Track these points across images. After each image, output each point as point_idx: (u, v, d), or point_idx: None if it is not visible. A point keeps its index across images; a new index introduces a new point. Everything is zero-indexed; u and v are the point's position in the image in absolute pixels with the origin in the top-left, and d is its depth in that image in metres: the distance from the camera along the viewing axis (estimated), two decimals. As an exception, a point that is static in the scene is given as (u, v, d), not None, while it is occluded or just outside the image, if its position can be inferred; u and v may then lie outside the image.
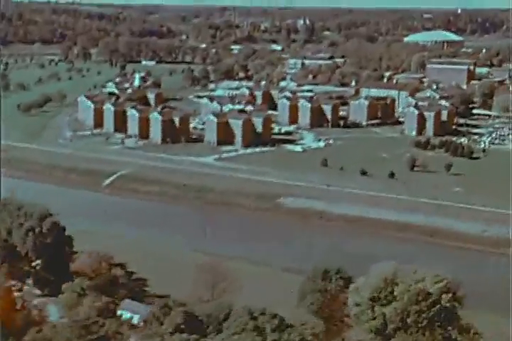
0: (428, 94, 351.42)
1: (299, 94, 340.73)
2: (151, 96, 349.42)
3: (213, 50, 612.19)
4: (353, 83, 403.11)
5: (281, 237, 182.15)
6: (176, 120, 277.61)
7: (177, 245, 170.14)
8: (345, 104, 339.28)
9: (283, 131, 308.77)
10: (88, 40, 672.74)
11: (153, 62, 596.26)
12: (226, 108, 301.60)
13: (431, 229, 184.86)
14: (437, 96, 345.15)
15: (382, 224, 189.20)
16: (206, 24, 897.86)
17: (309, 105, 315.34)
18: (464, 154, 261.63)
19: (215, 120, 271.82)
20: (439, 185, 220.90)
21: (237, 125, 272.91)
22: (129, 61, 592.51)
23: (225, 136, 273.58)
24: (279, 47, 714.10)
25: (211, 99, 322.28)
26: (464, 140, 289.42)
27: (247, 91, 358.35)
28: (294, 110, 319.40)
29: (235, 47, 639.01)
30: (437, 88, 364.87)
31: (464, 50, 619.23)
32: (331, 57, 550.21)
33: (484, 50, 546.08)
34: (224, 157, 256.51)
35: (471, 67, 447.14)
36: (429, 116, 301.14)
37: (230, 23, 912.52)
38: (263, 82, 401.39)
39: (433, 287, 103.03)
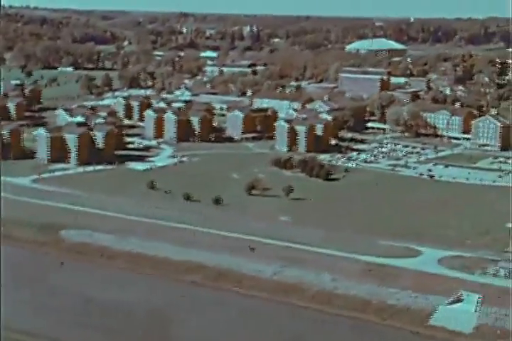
0: (317, 106, 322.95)
1: (174, 104, 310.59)
2: (11, 106, 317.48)
3: (134, 56, 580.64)
4: (249, 93, 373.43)
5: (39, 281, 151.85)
6: (6, 133, 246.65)
7: None
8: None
9: (143, 145, 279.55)
10: (2, 45, 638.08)
11: (70, 69, 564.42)
12: (63, 121, 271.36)
13: (220, 270, 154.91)
14: (327, 108, 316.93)
15: (169, 264, 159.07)
16: (147, 30, 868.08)
17: (175, 117, 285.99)
18: (319, 175, 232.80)
19: (46, 134, 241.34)
20: (267, 212, 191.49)
21: (72, 140, 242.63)
22: (46, 67, 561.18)
23: (60, 152, 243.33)
24: (214, 54, 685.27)
25: (67, 110, 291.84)
26: (332, 158, 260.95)
27: (122, 102, 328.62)
28: (160, 123, 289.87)
29: (158, 53, 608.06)
30: (329, 99, 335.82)
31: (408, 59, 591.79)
32: (251, 65, 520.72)
33: (409, 59, 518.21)
34: (45, 177, 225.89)
35: (385, 77, 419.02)
36: (301, 130, 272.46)
37: (172, 29, 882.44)
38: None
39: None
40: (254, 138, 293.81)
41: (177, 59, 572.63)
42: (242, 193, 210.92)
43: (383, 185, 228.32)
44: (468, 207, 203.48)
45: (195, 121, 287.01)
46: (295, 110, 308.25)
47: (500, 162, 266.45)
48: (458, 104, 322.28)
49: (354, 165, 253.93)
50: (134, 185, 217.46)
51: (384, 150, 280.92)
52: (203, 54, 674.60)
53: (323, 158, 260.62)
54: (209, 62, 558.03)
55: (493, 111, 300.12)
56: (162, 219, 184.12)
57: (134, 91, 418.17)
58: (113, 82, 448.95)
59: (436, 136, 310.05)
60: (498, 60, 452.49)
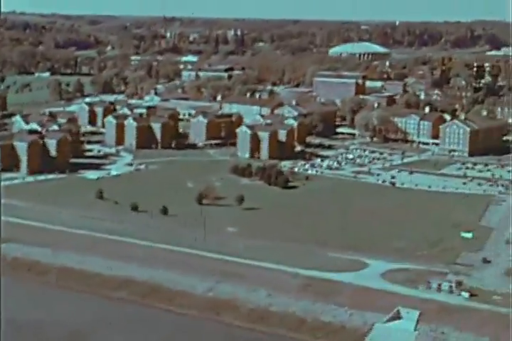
0: (286, 111, 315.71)
1: (135, 110, 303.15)
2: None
3: (110, 61, 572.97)
4: (219, 98, 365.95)
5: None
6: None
7: None
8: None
9: (102, 153, 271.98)
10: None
11: (47, 74, 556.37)
12: (18, 128, 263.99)
13: (151, 286, 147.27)
14: (295, 113, 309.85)
15: (99, 279, 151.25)
16: (131, 35, 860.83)
17: (135, 124, 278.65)
18: (277, 183, 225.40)
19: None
20: (215, 223, 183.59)
21: (22, 148, 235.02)
22: (22, 72, 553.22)
23: (10, 161, 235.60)
24: (194, 59, 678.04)
25: (24, 116, 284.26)
26: (294, 165, 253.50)
27: (86, 108, 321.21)
28: (121, 129, 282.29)
29: (136, 58, 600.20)
30: (297, 104, 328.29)
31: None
32: (228, 69, 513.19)
33: (387, 63, 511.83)
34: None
35: (360, 81, 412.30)
36: (264, 136, 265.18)
37: (155, 34, 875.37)
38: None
39: None
40: (217, 145, 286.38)
41: (155, 63, 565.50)
42: (193, 203, 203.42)
43: (342, 193, 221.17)
44: (425, 215, 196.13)
45: (156, 127, 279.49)
46: (262, 116, 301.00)
47: (468, 168, 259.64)
48: (428, 109, 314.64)
49: (316, 173, 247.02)
50: (83, 195, 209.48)
51: (350, 156, 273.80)
52: (183, 58, 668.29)
53: (286, 164, 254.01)
54: (190, 67, 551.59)
55: (462, 116, 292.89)
56: (103, 232, 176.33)
57: (106, 97, 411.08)
58: (86, 88, 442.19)
59: (407, 141, 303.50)
60: (475, 64, 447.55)
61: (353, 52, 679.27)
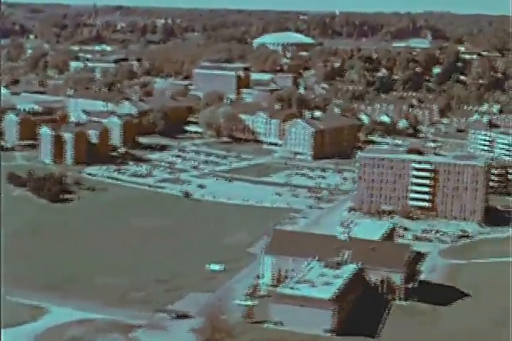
0: (126, 108, 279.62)
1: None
2: None
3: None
4: (70, 92, 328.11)
5: None
6: None
7: None
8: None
9: None
10: None
11: None
12: None
13: None
14: (135, 110, 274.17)
15: None
16: (51, 22, 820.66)
17: None
18: (48, 195, 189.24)
19: None
20: None
21: None
22: None
23: None
24: (108, 48, 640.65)
25: None
26: (99, 171, 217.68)
27: None
28: None
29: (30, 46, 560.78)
30: (141, 100, 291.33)
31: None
32: (121, 60, 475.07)
33: (289, 54, 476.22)
34: None
35: (242, 73, 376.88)
36: (68, 138, 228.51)
37: (78, 22, 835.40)
38: None
39: None
40: (31, 147, 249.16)
41: (53, 53, 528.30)
42: None
43: (119, 208, 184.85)
44: (187, 239, 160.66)
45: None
46: (87, 113, 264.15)
47: (304, 175, 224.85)
48: (278, 106, 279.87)
49: (116, 181, 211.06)
50: None
51: (171, 160, 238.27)
52: (97, 47, 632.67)
53: (89, 171, 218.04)
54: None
55: (307, 114, 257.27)
56: None
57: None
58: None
59: (256, 141, 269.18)
60: (375, 56, 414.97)
61: (276, 42, 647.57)
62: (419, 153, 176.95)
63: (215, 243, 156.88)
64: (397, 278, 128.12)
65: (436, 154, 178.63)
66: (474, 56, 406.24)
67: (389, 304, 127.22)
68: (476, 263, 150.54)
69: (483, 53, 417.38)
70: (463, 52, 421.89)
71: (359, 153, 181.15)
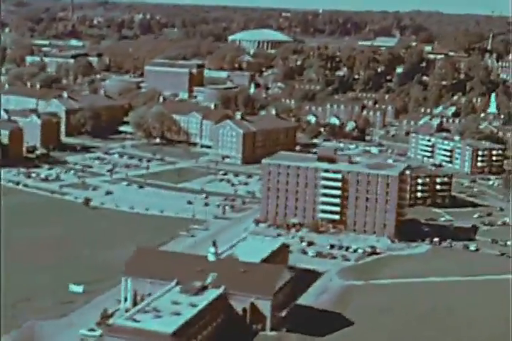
0: (53, 106, 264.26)
1: None
2: None
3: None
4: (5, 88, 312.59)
5: None
6: None
7: None
8: None
9: None
10: None
11: None
12: None
13: None
14: (63, 108, 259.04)
15: None
16: (27, 17, 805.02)
17: None
18: None
19: None
20: None
21: None
22: None
23: None
24: (80, 44, 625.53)
25: None
26: (7, 175, 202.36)
27: None
28: None
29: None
30: (72, 98, 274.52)
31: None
32: (81, 55, 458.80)
33: (252, 51, 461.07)
34: None
35: (195, 71, 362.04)
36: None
37: (53, 16, 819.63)
38: None
39: None
40: None
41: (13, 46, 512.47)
42: None
43: (11, 217, 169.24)
44: (66, 254, 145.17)
45: None
46: (6, 111, 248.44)
47: (228, 181, 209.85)
48: (213, 106, 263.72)
49: (18, 186, 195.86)
50: None
51: (88, 163, 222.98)
52: (69, 43, 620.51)
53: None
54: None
55: (238, 114, 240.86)
56: None
57: None
58: None
59: (190, 143, 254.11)
60: (337, 54, 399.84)
61: (251, 39, 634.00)
62: (331, 160, 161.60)
63: (89, 258, 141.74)
64: (266, 306, 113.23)
65: (350, 162, 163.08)
66: (439, 56, 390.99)
67: (256, 336, 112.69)
68: (373, 285, 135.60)
69: (450, 53, 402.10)
70: (429, 52, 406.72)
71: (263, 160, 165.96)
